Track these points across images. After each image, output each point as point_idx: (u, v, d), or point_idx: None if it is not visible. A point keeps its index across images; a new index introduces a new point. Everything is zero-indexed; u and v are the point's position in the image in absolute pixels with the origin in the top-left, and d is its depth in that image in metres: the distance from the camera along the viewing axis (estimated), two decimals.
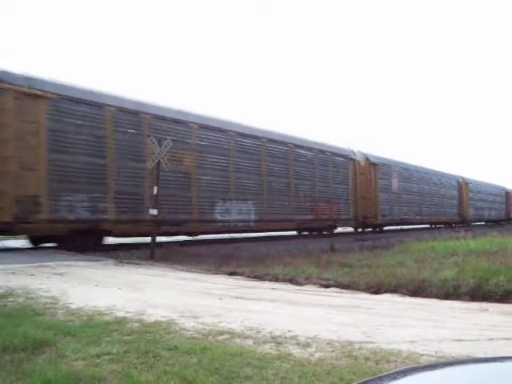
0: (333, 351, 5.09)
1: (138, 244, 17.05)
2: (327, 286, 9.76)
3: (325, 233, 28.00)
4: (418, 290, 9.11)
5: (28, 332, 5.30)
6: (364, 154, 32.46)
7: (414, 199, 38.62)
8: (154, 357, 4.71)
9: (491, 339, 5.63)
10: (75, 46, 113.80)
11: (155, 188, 14.47)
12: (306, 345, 5.32)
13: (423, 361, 4.73)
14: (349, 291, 9.37)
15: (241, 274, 11.20)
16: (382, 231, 34.21)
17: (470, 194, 51.32)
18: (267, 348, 5.19)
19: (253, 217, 22.56)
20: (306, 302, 8.10)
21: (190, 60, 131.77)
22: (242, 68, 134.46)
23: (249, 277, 10.98)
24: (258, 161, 23.42)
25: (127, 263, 12.84)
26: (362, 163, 31.89)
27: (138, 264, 12.79)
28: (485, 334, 5.89)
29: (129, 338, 5.39)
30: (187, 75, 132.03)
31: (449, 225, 45.29)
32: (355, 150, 32.17)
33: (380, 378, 1.69)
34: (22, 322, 5.90)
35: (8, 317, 6.17)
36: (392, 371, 1.91)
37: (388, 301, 8.43)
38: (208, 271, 11.70)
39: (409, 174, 38.24)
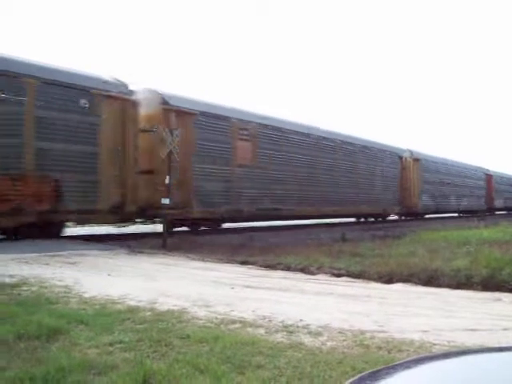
0: (345, 340, 5.09)
1: (149, 233, 17.12)
2: (339, 276, 9.75)
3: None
4: (430, 280, 9.07)
5: (42, 320, 5.35)
6: (159, 94, 18.21)
7: (302, 179, 24.76)
8: (166, 345, 4.73)
9: (505, 329, 5.61)
10: (74, 37, 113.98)
11: (167, 177, 14.50)
12: (318, 334, 5.33)
13: (436, 350, 4.71)
14: (361, 280, 9.36)
15: (253, 264, 11.21)
16: (218, 230, 21.03)
17: (425, 175, 37.27)
18: (279, 337, 5.20)
19: None
20: (317, 291, 8.10)
21: (189, 54, 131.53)
22: (241, 57, 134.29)
23: (261, 266, 10.99)
24: None
25: (139, 252, 12.90)
26: (149, 109, 17.84)
27: (150, 253, 12.84)
28: (499, 323, 5.86)
29: (141, 326, 5.42)
30: (185, 68, 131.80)
31: (382, 218, 33.60)
32: (134, 85, 17.88)
33: (393, 367, 1.68)
34: (36, 310, 5.95)
35: (22, 305, 6.22)
36: (405, 360, 1.90)
37: (400, 290, 8.41)
38: (220, 260, 11.73)
39: (280, 135, 23.72)
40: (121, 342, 4.80)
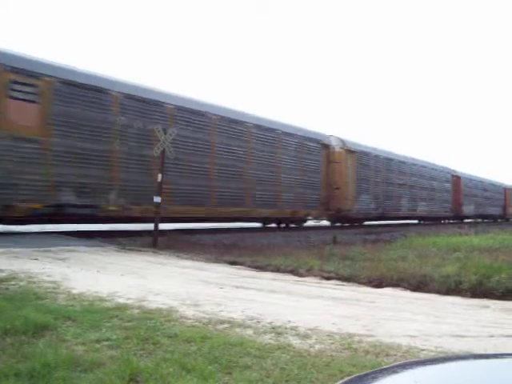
0: (332, 343, 5.09)
1: (140, 231, 17.06)
2: (328, 278, 9.76)
3: None
4: (419, 285, 9.10)
5: (29, 316, 5.31)
6: None
7: (142, 164, 17.26)
8: (153, 344, 4.72)
9: (492, 336, 5.63)
10: (74, 36, 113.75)
11: (159, 175, 14.46)
12: (306, 336, 5.32)
13: (423, 356, 4.73)
14: (350, 284, 9.37)
15: (242, 264, 11.21)
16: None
17: (364, 172, 30.00)
18: (267, 338, 5.19)
19: None
20: (306, 293, 8.10)
21: (189, 53, 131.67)
22: (238, 57, 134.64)
23: (250, 267, 10.99)
24: None
25: (130, 250, 12.87)
26: None
27: (140, 251, 12.81)
28: (486, 330, 5.88)
29: (129, 324, 5.40)
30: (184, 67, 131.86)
31: (296, 223, 25.74)
32: None
33: (380, 372, 1.68)
34: (23, 305, 5.91)
35: (10, 300, 6.18)
36: (391, 365, 1.90)
37: (389, 295, 8.42)
38: (210, 260, 11.71)
39: (101, 99, 16.24)
40: (108, 340, 4.78)
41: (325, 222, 29.63)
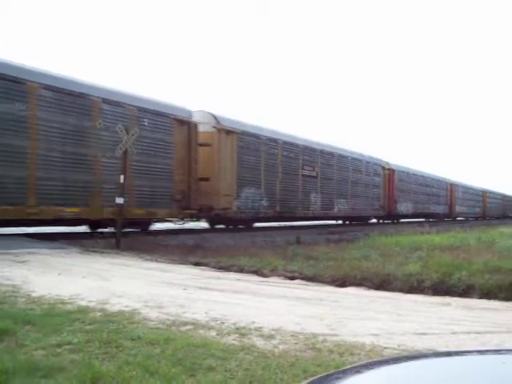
0: (297, 343, 5.09)
1: (102, 232, 16.83)
2: (292, 278, 9.78)
3: None
4: (382, 284, 9.20)
5: None
6: None
7: None
8: (116, 347, 4.65)
9: (454, 333, 5.71)
10: (74, 42, 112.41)
11: (122, 177, 14.29)
12: (270, 337, 5.31)
13: (386, 354, 4.76)
14: (314, 284, 9.40)
15: (206, 265, 11.16)
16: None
17: (250, 160, 23.09)
18: (231, 339, 5.17)
19: None
20: (270, 293, 8.10)
21: (188, 55, 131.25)
22: (236, 63, 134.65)
23: (214, 267, 10.95)
24: None
25: (92, 252, 12.69)
26: None
27: (103, 253, 12.64)
28: (448, 328, 5.96)
29: (91, 327, 5.31)
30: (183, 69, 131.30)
31: (140, 226, 18.78)
32: None
33: (343, 372, 1.67)
34: None
35: None
36: (355, 365, 1.90)
37: (353, 294, 8.48)
38: (174, 261, 11.63)
39: None
40: (69, 343, 4.69)
41: (204, 224, 23.82)
